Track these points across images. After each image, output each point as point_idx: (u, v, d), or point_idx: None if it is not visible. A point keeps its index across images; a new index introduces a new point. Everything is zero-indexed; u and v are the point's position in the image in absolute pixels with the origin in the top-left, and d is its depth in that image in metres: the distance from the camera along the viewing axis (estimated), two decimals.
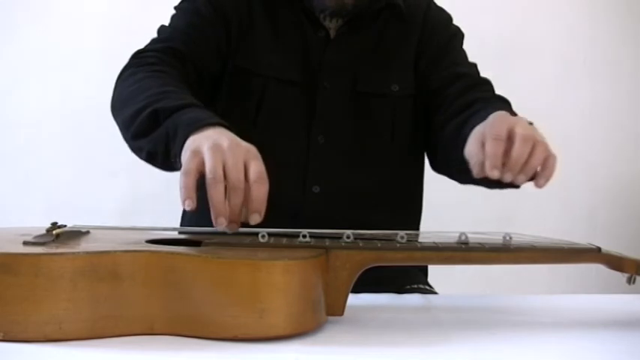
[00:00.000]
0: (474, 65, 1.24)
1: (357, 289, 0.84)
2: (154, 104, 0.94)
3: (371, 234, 0.87)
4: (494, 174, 0.86)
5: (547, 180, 0.88)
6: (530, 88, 2.22)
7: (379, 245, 0.84)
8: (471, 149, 0.92)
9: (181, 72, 1.09)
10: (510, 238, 0.88)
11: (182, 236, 0.93)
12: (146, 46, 1.13)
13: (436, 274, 1.27)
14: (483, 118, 0.97)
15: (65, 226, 0.86)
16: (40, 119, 2.20)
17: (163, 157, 0.93)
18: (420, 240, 0.88)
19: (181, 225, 1.24)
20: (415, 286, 1.18)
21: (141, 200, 2.17)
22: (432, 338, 0.80)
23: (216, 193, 0.80)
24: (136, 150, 1.01)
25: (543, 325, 0.88)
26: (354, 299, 0.85)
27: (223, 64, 1.16)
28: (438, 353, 0.74)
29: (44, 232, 0.82)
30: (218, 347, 0.72)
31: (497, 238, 0.89)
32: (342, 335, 0.78)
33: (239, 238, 0.85)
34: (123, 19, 2.21)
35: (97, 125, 2.18)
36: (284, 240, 0.84)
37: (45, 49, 2.19)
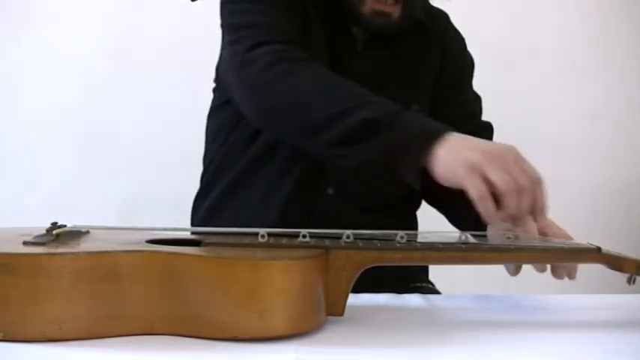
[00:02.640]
0: (480, 100, 1.25)
1: (357, 289, 0.84)
2: (361, 110, 0.91)
3: (370, 234, 0.87)
4: (497, 224, 0.87)
5: (543, 214, 0.87)
6: (531, 88, 2.22)
7: (379, 245, 0.84)
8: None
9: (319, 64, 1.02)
10: (510, 238, 0.88)
11: (182, 236, 0.93)
12: (259, 37, 1.01)
13: (436, 274, 1.27)
14: None
15: (65, 226, 0.86)
16: (40, 119, 2.20)
17: (386, 165, 0.91)
18: (420, 240, 0.87)
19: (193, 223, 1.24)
20: (419, 284, 1.18)
21: (141, 200, 2.17)
22: (432, 338, 0.80)
23: (513, 202, 0.81)
24: (335, 158, 0.96)
25: (543, 325, 0.87)
26: (354, 299, 0.85)
27: None
28: (438, 353, 0.74)
29: (44, 232, 0.82)
30: (218, 347, 0.72)
31: (497, 238, 0.89)
32: (342, 335, 0.78)
33: (239, 238, 0.85)
34: (123, 19, 2.21)
35: (97, 125, 2.19)
36: (284, 240, 0.84)
37: (45, 49, 2.19)
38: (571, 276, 0.92)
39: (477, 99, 1.25)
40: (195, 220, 1.23)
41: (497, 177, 0.82)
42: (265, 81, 0.98)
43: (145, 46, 2.19)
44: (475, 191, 0.83)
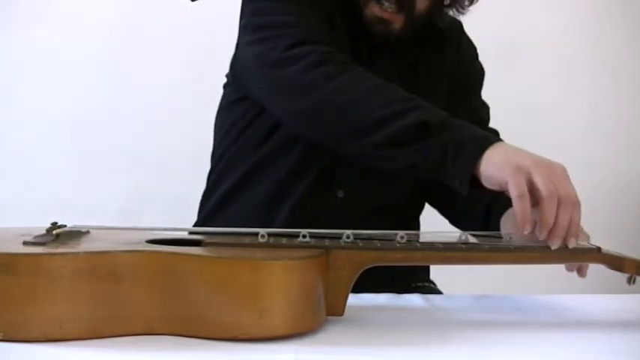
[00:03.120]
0: (488, 109, 1.25)
1: (357, 289, 0.84)
2: (412, 113, 0.91)
3: (371, 234, 0.87)
4: (526, 229, 0.85)
5: (576, 239, 0.87)
6: (531, 88, 2.22)
7: (379, 245, 0.84)
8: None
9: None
10: (510, 238, 0.88)
11: (182, 236, 0.93)
12: (298, 36, 1.01)
13: (436, 274, 1.27)
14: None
15: (65, 226, 0.86)
16: (41, 119, 2.20)
17: (434, 168, 0.91)
18: (420, 240, 0.88)
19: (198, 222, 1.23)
20: (420, 284, 1.18)
21: (141, 200, 2.17)
22: (432, 338, 0.80)
23: (551, 210, 0.82)
24: (382, 159, 0.96)
25: (543, 325, 0.88)
26: (354, 299, 0.85)
27: None
28: (438, 353, 0.74)
29: (44, 232, 0.82)
30: (218, 347, 0.72)
31: (497, 238, 0.89)
32: (342, 335, 0.78)
33: (239, 238, 0.85)
34: (123, 19, 2.21)
35: (97, 125, 2.19)
36: (284, 240, 0.84)
37: (45, 49, 2.19)
38: (582, 273, 0.92)
39: (484, 107, 1.25)
40: (201, 217, 1.23)
41: (541, 182, 0.83)
42: (309, 81, 0.97)
43: (145, 46, 2.19)
44: (516, 188, 0.83)
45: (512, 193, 0.84)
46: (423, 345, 0.77)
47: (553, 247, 0.85)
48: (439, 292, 1.20)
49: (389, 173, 1.06)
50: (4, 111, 2.21)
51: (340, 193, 1.13)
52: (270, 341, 0.73)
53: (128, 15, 2.21)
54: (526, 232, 0.84)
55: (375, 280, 0.91)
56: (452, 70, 1.20)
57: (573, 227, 0.85)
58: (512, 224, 0.94)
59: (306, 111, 0.99)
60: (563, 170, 0.86)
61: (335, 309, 0.81)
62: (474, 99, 1.25)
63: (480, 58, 1.27)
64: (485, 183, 0.88)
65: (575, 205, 0.85)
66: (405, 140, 0.91)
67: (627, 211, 2.28)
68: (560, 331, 0.84)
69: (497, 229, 1.02)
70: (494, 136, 0.92)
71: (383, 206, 1.15)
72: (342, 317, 0.81)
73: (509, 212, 1.01)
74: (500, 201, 1.03)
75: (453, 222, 1.22)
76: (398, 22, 1.09)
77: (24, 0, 2.19)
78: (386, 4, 1.07)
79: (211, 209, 1.19)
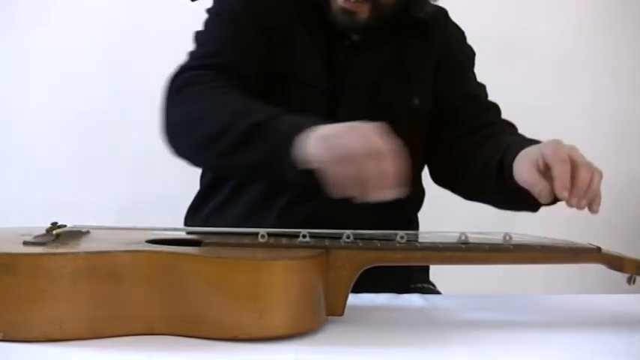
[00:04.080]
0: (484, 87, 1.25)
1: (357, 289, 0.84)
2: (246, 118, 0.94)
3: (371, 234, 0.87)
4: (563, 195, 0.89)
5: (599, 205, 0.91)
6: (531, 88, 2.22)
7: (379, 245, 0.84)
8: (530, 177, 0.94)
9: (235, 87, 1.06)
10: (510, 238, 0.88)
11: (182, 236, 0.93)
12: (191, 62, 1.10)
13: (436, 274, 1.27)
14: (500, 143, 1.06)
15: (65, 226, 0.86)
16: (40, 119, 2.20)
17: (272, 166, 0.93)
18: (420, 240, 0.88)
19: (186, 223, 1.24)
20: (420, 285, 1.18)
21: (141, 200, 2.17)
22: (432, 338, 0.80)
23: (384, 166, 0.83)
24: (226, 168, 1.00)
25: (543, 325, 0.88)
26: (354, 299, 0.85)
27: (263, 71, 1.14)
28: (438, 353, 0.74)
29: (44, 232, 0.82)
30: (218, 347, 0.72)
31: (497, 238, 0.89)
32: (342, 335, 0.78)
33: (239, 238, 0.85)
34: (123, 19, 2.21)
35: (97, 125, 2.19)
36: (284, 240, 0.84)
37: (45, 49, 2.19)
38: (593, 209, 0.92)
39: (479, 85, 1.25)
40: (195, 224, 1.23)
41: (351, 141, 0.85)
42: (168, 102, 1.04)
43: (145, 46, 2.19)
44: (349, 142, 0.85)
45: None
46: (423, 345, 0.77)
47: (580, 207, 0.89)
48: (438, 293, 1.20)
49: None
50: (4, 111, 2.21)
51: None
52: (270, 341, 0.73)
53: (128, 15, 2.21)
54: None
55: (373, 281, 0.91)
56: (439, 57, 1.21)
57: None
58: (528, 166, 0.95)
59: (165, 131, 1.04)
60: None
61: (335, 309, 0.81)
62: (465, 78, 1.24)
63: (479, 58, 1.27)
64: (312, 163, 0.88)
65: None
66: (240, 145, 0.94)
67: (627, 211, 2.27)
68: (560, 331, 0.84)
69: (510, 176, 1.01)
70: (310, 121, 0.91)
71: (374, 205, 1.16)
72: (342, 317, 0.81)
73: (522, 154, 0.99)
74: (510, 148, 1.04)
75: (468, 194, 1.22)
76: (364, 11, 1.10)
77: (24, 0, 2.19)
78: None
79: (205, 217, 1.21)
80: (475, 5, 2.07)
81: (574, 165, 0.90)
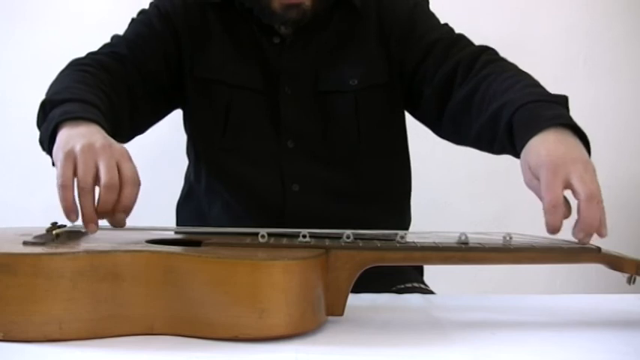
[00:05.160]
0: (445, 25, 1.21)
1: (357, 288, 0.84)
2: (50, 94, 1.02)
3: (371, 234, 0.87)
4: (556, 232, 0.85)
5: (606, 228, 0.86)
6: None
7: (379, 245, 0.84)
8: (535, 189, 0.90)
9: (121, 74, 1.12)
10: (510, 238, 0.88)
11: (182, 236, 0.93)
12: (94, 51, 1.19)
13: (435, 273, 1.26)
14: (488, 89, 1.07)
15: (65, 226, 0.86)
16: None
17: (47, 150, 0.99)
18: (419, 240, 0.88)
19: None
20: (410, 285, 1.18)
21: (140, 200, 2.17)
22: (431, 338, 0.80)
23: (86, 202, 0.83)
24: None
25: (543, 325, 0.88)
26: (354, 299, 0.85)
27: (179, 75, 1.18)
28: (437, 353, 0.74)
29: (44, 232, 0.82)
30: (218, 347, 0.72)
31: (497, 238, 0.89)
32: (342, 335, 0.78)
33: (239, 238, 0.85)
34: (123, 19, 2.21)
35: None
36: (284, 240, 0.84)
37: (45, 49, 2.19)
38: (601, 235, 0.87)
39: (434, 28, 1.20)
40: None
41: (80, 170, 0.88)
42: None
43: None
44: (61, 177, 0.89)
45: None
46: (423, 345, 0.77)
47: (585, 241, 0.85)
48: (431, 293, 1.19)
49: (332, 162, 1.15)
50: (4, 111, 2.21)
51: (295, 187, 1.15)
52: (270, 341, 0.73)
53: (128, 16, 2.21)
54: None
55: (370, 280, 0.90)
56: (381, 29, 1.19)
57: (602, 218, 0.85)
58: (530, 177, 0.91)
59: None
60: (122, 155, 0.94)
61: (335, 309, 0.81)
62: (416, 31, 1.19)
63: None
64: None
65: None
66: (37, 122, 1.01)
67: (627, 211, 2.27)
68: (560, 331, 0.84)
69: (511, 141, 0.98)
70: (88, 114, 0.96)
71: (344, 193, 1.16)
72: (342, 317, 0.81)
73: (527, 148, 0.94)
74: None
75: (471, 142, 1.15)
76: (306, 1, 1.11)
77: (24, 0, 2.20)
78: None
79: (191, 216, 1.25)
80: (475, 6, 2.07)
81: (573, 192, 0.85)
